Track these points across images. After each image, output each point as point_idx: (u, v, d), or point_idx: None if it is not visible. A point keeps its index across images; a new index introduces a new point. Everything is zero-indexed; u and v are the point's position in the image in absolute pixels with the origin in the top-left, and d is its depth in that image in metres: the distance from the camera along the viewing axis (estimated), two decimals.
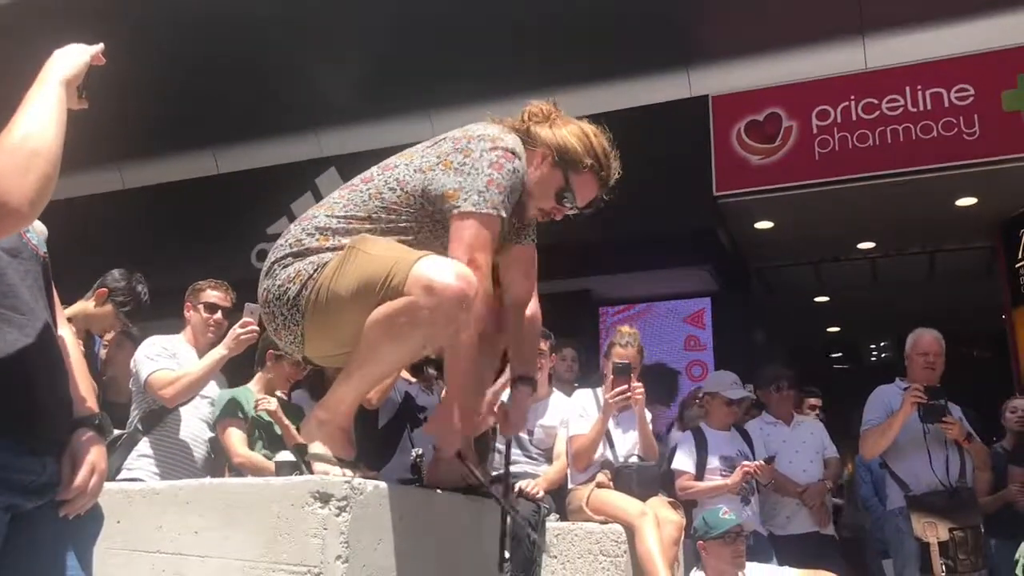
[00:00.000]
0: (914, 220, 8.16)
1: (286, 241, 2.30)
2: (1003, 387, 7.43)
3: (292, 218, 8.70)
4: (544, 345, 4.66)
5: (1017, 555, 4.62)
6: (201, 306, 4.25)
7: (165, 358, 4.04)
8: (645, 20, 7.46)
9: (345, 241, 2.21)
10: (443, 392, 2.21)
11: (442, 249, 2.28)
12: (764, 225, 8.31)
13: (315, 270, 2.19)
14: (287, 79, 8.40)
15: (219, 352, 3.94)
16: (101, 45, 1.70)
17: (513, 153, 2.28)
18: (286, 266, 2.25)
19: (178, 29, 7.99)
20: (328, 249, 2.22)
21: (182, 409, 4.12)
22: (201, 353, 4.13)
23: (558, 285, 7.88)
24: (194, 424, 4.20)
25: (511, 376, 2.67)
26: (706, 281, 8.53)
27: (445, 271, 2.02)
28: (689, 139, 7.90)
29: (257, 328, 3.81)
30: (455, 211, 2.18)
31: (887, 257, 9.39)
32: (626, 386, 4.40)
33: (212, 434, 4.29)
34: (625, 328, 4.87)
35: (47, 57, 1.66)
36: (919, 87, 7.31)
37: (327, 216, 2.29)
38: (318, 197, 8.32)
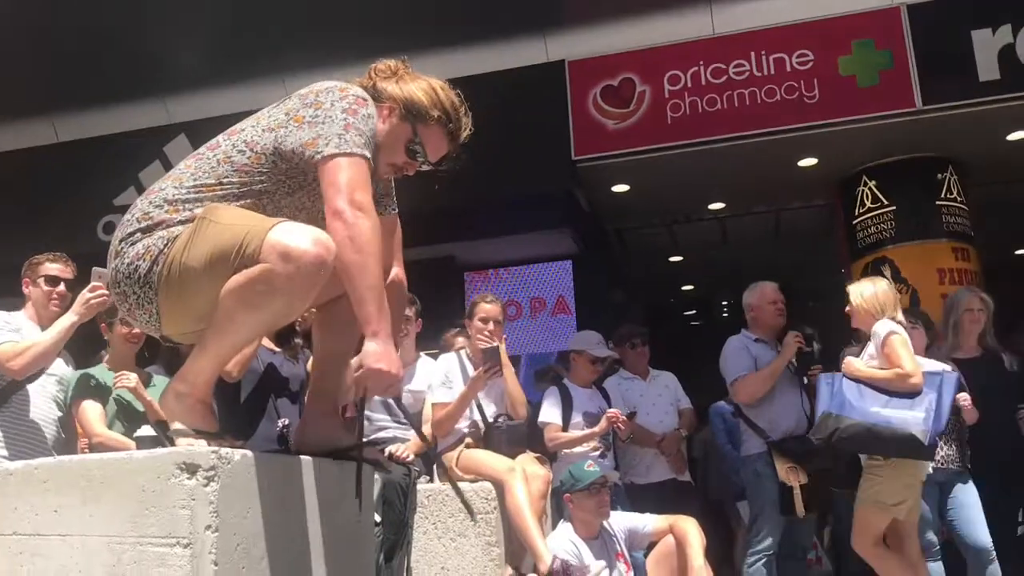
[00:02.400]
0: (760, 181, 8.53)
1: (133, 216, 2.20)
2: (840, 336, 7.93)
3: (141, 188, 8.43)
4: (410, 311, 4.69)
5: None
6: (41, 280, 4.06)
7: (8, 331, 3.85)
8: None
9: (197, 211, 2.14)
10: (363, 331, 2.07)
11: (300, 210, 2.25)
12: (621, 188, 8.53)
13: (165, 244, 2.11)
14: (132, 42, 8.02)
15: (69, 319, 3.77)
16: None
17: (364, 100, 2.26)
18: (134, 243, 2.15)
19: None
20: (178, 222, 2.14)
21: (29, 388, 3.94)
22: (45, 328, 3.95)
23: (423, 252, 7.88)
24: (42, 403, 4.02)
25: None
26: (567, 244, 8.70)
27: (301, 237, 1.98)
28: (547, 104, 8.00)
29: (106, 292, 3.67)
30: (318, 157, 2.12)
31: (735, 216, 9.80)
32: (497, 368, 4.48)
33: (61, 413, 4.13)
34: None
35: None
36: (763, 52, 7.62)
37: (175, 187, 2.20)
38: (168, 166, 8.02)
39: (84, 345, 4.54)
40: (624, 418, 5.24)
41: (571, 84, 8.01)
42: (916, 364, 4.38)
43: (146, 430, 3.50)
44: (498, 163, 7.59)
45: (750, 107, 7.59)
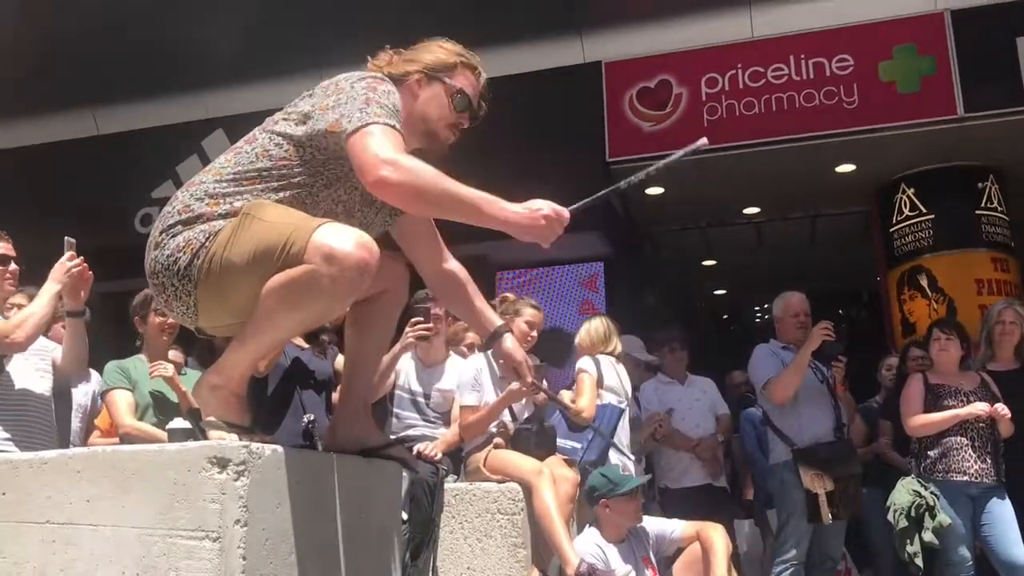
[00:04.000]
0: (796, 186, 8.44)
1: (174, 208, 2.21)
2: (877, 345, 7.84)
3: (179, 182, 8.51)
4: (439, 309, 4.68)
5: (889, 502, 4.91)
6: None
7: None
8: None
9: (238, 204, 2.15)
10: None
11: (337, 203, 2.27)
12: (655, 191, 8.48)
13: (207, 239, 2.12)
14: (171, 37, 8.09)
15: (52, 287, 3.74)
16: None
17: (381, 79, 2.27)
18: (175, 235, 2.16)
19: None
20: (219, 216, 2.15)
21: (9, 365, 3.90)
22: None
23: (455, 251, 7.88)
24: (30, 376, 3.95)
25: (490, 336, 2.64)
26: (600, 246, 8.66)
27: (346, 239, 1.97)
28: (582, 105, 7.97)
29: (83, 260, 3.71)
30: (345, 136, 2.11)
31: (771, 221, 9.71)
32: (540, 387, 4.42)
33: (50, 384, 4.04)
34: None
35: None
36: (802, 56, 7.55)
37: (215, 181, 2.21)
38: (205, 160, 8.06)
39: (116, 342, 4.59)
40: (662, 417, 5.28)
41: (607, 85, 7.98)
42: (591, 400, 4.84)
43: (178, 422, 3.51)
44: (532, 163, 7.61)
45: (788, 112, 7.52)
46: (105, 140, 9.13)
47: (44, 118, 9.00)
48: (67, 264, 3.73)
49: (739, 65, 7.68)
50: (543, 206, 2.14)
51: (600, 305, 8.90)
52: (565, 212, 2.17)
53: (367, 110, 2.13)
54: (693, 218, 9.61)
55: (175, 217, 2.19)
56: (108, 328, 3.93)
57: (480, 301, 2.65)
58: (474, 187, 2.12)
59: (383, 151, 2.05)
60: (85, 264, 3.72)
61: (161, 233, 2.20)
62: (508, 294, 5.08)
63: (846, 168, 8.08)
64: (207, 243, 2.12)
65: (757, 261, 10.95)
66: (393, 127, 2.13)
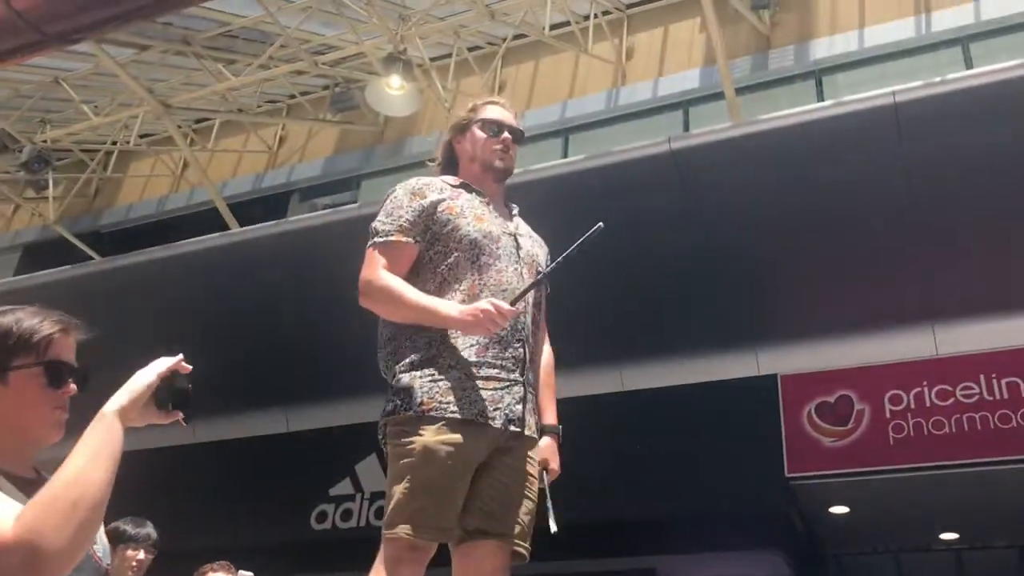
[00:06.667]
0: (999, 512, 7.78)
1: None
2: None
3: (356, 481, 8.76)
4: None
5: None
6: None
7: None
8: (717, 299, 7.66)
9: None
10: None
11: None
12: (839, 510, 8.01)
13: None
14: (365, 343, 8.68)
15: None
16: (180, 356, 1.75)
17: (392, 191, 2.71)
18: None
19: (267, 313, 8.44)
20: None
21: None
22: None
23: (622, 563, 7.61)
24: None
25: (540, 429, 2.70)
26: (779, 567, 8.11)
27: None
28: (758, 418, 7.82)
29: None
30: None
31: (972, 549, 8.89)
32: None
33: None
34: None
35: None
36: (993, 375, 7.22)
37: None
38: (381, 457, 8.36)
39: None
40: None
41: (783, 398, 7.84)
42: None
43: None
44: (708, 476, 7.42)
45: (983, 432, 7.07)
46: (292, 437, 9.62)
47: (242, 416, 9.62)
48: None
49: (925, 383, 7.41)
50: (483, 304, 2.42)
51: None
52: (506, 306, 2.42)
53: (371, 237, 2.62)
54: (884, 541, 8.93)
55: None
56: None
57: (550, 394, 2.79)
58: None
59: (364, 273, 2.57)
60: None
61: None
62: None
63: None
64: None
65: None
66: (378, 244, 2.58)
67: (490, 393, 2.46)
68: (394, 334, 2.57)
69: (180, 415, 1.73)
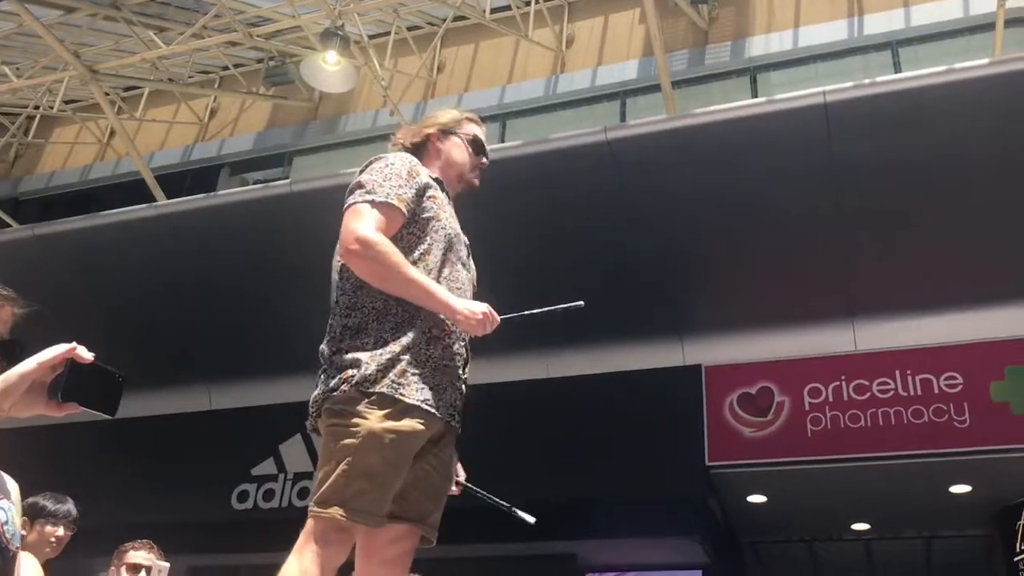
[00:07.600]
0: (909, 504, 8.05)
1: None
2: None
3: (280, 460, 8.66)
4: None
5: None
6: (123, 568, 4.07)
7: None
8: (646, 289, 7.74)
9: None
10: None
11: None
12: (757, 499, 8.18)
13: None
14: (285, 321, 8.58)
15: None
16: (73, 344, 1.62)
17: (381, 156, 2.64)
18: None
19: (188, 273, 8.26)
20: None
21: None
22: None
23: (543, 547, 7.66)
24: None
25: None
26: (697, 552, 8.27)
27: None
28: (681, 407, 7.94)
29: None
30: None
31: (882, 539, 9.18)
32: None
33: None
34: None
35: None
36: (908, 372, 7.44)
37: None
38: (307, 441, 8.28)
39: None
40: None
41: (707, 389, 7.97)
42: None
43: None
44: (630, 463, 7.50)
45: (896, 427, 7.29)
46: (214, 415, 9.46)
47: (163, 390, 9.42)
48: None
49: (843, 377, 7.60)
50: (484, 307, 2.45)
51: None
52: (497, 318, 2.47)
53: (356, 192, 2.52)
54: (798, 530, 9.16)
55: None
56: None
57: None
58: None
59: (361, 228, 2.41)
60: None
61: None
62: None
63: (961, 489, 7.69)
64: None
65: None
66: (377, 203, 2.47)
67: (438, 383, 2.44)
68: (358, 305, 2.46)
69: (77, 407, 1.60)
